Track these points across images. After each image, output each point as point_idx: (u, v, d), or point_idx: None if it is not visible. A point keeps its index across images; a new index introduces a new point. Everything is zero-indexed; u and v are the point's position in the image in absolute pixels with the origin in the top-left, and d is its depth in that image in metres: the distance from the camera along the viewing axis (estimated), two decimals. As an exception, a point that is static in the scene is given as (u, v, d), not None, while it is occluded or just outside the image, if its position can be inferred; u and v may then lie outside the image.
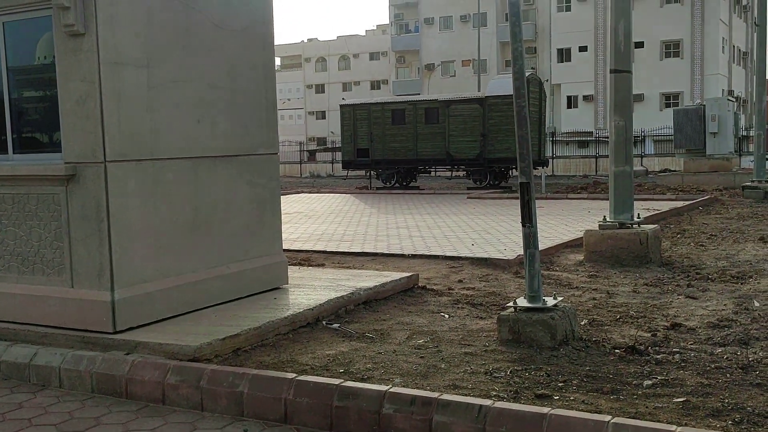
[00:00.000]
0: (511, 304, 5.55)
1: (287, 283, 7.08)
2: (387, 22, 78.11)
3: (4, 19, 5.78)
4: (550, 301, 5.46)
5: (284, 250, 7.33)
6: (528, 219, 5.51)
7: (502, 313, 5.53)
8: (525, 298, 5.51)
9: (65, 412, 4.63)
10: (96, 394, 4.94)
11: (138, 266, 5.60)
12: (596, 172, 36.03)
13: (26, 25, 5.76)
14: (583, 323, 5.90)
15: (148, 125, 5.67)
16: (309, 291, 6.77)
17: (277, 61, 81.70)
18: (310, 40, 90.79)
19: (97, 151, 5.36)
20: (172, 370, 4.76)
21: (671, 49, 55.81)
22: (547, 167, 27.69)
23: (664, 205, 15.94)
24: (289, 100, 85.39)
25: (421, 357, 5.09)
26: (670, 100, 54.70)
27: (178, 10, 5.91)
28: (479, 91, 34.45)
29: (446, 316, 6.36)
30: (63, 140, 5.52)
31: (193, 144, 6.07)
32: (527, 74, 22.48)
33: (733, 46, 59.50)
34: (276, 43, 7.04)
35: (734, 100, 29.73)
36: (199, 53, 6.11)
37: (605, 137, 40.82)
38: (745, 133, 35.49)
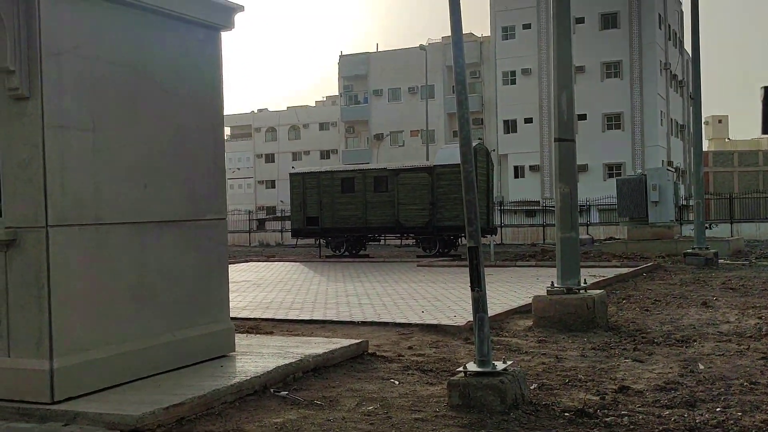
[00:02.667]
0: (461, 369, 5.52)
1: (234, 351, 6.93)
2: (336, 93, 79.21)
3: (-53, 83, 5.70)
4: (500, 366, 5.44)
5: (232, 318, 7.21)
6: (477, 283, 5.53)
7: (452, 378, 5.49)
8: (475, 362, 5.49)
9: (-3, 488, 4.41)
10: (30, 469, 4.72)
11: (79, 334, 5.44)
12: (544, 240, 36.54)
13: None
14: (533, 387, 5.89)
15: (92, 189, 5.59)
16: (256, 358, 6.64)
17: (228, 130, 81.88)
18: (260, 110, 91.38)
19: (39, 215, 5.25)
20: (112, 442, 4.58)
21: (612, 121, 57.57)
22: (495, 235, 27.98)
23: (610, 272, 16.19)
24: (239, 169, 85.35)
25: (371, 424, 5.00)
26: (612, 170, 56.12)
27: (125, 75, 5.90)
28: (428, 160, 34.93)
29: (396, 382, 6.28)
30: (4, 204, 5.40)
31: (138, 209, 5.99)
32: (474, 144, 22.90)
33: (671, 119, 61.67)
34: (226, 113, 7.06)
35: (674, 170, 30.67)
36: (147, 118, 6.09)
37: (552, 206, 41.57)
38: (685, 203, 36.49)
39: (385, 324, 9.59)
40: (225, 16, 6.87)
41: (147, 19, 6.09)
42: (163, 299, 6.20)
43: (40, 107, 5.23)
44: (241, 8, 6.95)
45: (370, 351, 7.51)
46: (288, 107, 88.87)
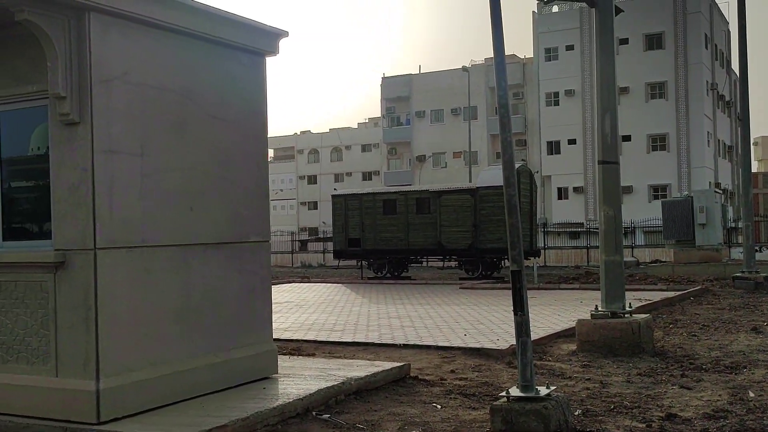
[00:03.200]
0: (503, 393, 5.47)
1: (277, 373, 6.96)
2: (379, 115, 79.60)
3: (2, 109, 5.87)
4: (543, 391, 5.38)
5: (274, 340, 7.25)
6: (520, 307, 5.49)
7: (494, 402, 5.43)
8: (518, 387, 5.44)
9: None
10: (77, 488, 4.78)
11: (125, 355, 5.52)
12: (588, 262, 36.10)
13: (21, 116, 5.83)
14: (576, 413, 5.80)
15: (139, 213, 5.69)
16: (299, 381, 6.66)
17: (271, 152, 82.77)
18: (303, 132, 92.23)
19: (88, 238, 5.35)
20: (156, 463, 4.62)
21: (658, 142, 56.86)
22: (538, 258, 27.75)
23: (656, 296, 15.92)
24: (281, 190, 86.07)
25: (412, 449, 4.97)
26: (658, 192, 55.36)
27: (172, 100, 6.02)
28: (470, 181, 34.85)
29: (438, 406, 6.24)
30: (53, 227, 5.53)
31: (184, 231, 6.08)
32: (517, 165, 22.79)
33: (718, 140, 60.70)
34: (269, 134, 7.15)
35: (721, 192, 30.14)
36: (193, 142, 6.20)
37: (596, 228, 41.11)
38: (733, 225, 35.79)
39: (428, 347, 9.55)
40: (270, 42, 6.98)
41: (194, 45, 6.21)
42: (207, 321, 6.26)
43: (90, 132, 5.35)
44: (285, 34, 7.05)
45: (412, 374, 7.48)
46: (330, 129, 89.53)
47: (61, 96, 5.29)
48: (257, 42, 6.82)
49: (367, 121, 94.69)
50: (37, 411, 5.44)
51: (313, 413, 5.89)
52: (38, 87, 5.53)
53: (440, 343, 9.76)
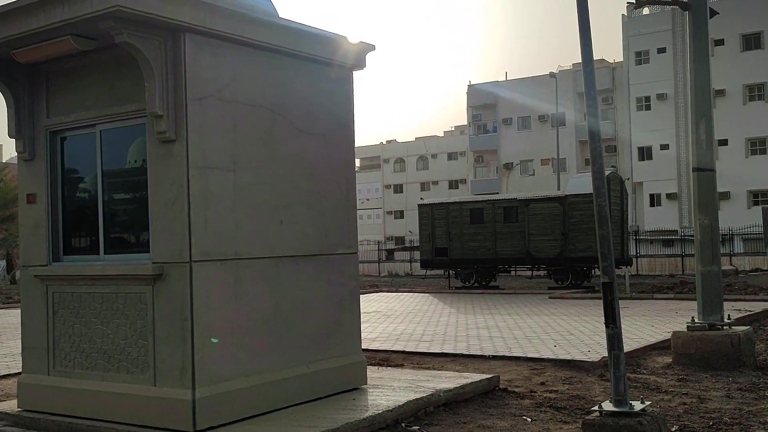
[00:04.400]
0: (596, 408, 5.35)
1: (366, 384, 7.02)
2: (465, 123, 79.33)
3: (102, 128, 6.14)
4: (638, 406, 5.23)
5: (363, 350, 7.30)
6: (612, 320, 5.36)
7: (587, 417, 5.32)
8: (611, 401, 5.31)
9: None
10: (174, 495, 4.92)
11: (219, 365, 5.66)
12: (683, 271, 34.98)
13: (120, 133, 6.09)
14: (673, 430, 5.63)
15: (232, 226, 5.84)
16: (388, 392, 6.69)
17: (357, 162, 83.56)
18: (389, 141, 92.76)
19: (184, 251, 5.53)
20: (249, 472, 4.72)
21: (757, 146, 54.71)
22: (630, 266, 27.06)
23: (757, 306, 15.28)
24: (368, 200, 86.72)
25: (502, 463, 4.92)
26: (758, 197, 53.24)
27: (263, 116, 6.17)
28: (559, 189, 34.31)
29: (529, 419, 6.16)
30: (151, 241, 5.73)
31: (274, 244, 6.21)
32: (607, 172, 22.31)
33: (823, 143, 57.94)
34: (356, 144, 7.24)
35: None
36: (283, 156, 6.33)
37: (691, 236, 39.83)
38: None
39: (517, 358, 9.44)
40: (357, 57, 7.06)
41: (283, 61, 6.35)
42: (297, 332, 6.37)
43: (185, 149, 5.54)
44: (372, 48, 7.12)
45: (501, 386, 7.41)
46: (416, 138, 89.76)
47: (158, 115, 5.49)
48: (344, 57, 6.92)
49: (453, 129, 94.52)
50: (137, 419, 5.64)
51: (403, 425, 5.91)
52: (137, 106, 5.76)
53: (530, 355, 9.63)
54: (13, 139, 6.52)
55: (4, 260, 45.26)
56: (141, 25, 5.33)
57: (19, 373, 6.81)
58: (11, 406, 6.50)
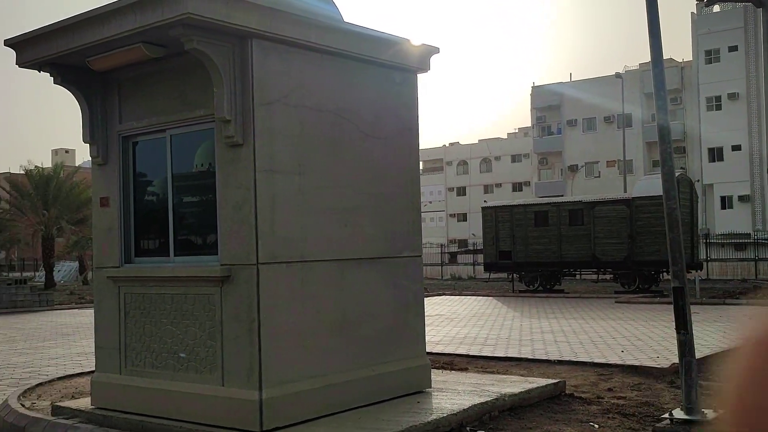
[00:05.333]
0: (666, 415, 5.24)
1: (430, 387, 7.00)
2: (529, 124, 78.55)
3: (172, 132, 6.28)
4: (711, 414, 5.10)
5: (427, 353, 7.29)
6: (683, 325, 5.25)
7: (657, 425, 5.22)
8: (682, 409, 5.19)
9: None
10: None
11: (285, 366, 5.72)
12: (756, 275, 33.92)
13: (189, 137, 6.22)
14: (748, 440, 5.45)
15: (298, 229, 5.90)
16: (452, 395, 6.66)
17: (420, 165, 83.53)
18: (452, 144, 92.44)
19: (251, 253, 5.61)
20: (315, 473, 4.75)
21: (836, 146, 52.74)
22: (701, 271, 26.38)
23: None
24: (430, 202, 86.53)
25: (569, 470, 4.84)
26: (835, 199, 51.31)
27: (328, 121, 6.22)
28: (625, 191, 33.67)
29: (596, 426, 6.06)
30: (219, 243, 5.83)
31: (340, 247, 6.25)
32: (677, 174, 21.78)
33: None
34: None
35: None
36: (348, 160, 6.36)
37: (766, 239, 38.63)
38: None
39: (583, 363, 9.29)
40: (421, 60, 7.06)
41: (348, 66, 6.39)
42: (362, 334, 6.39)
43: (252, 153, 5.62)
44: (436, 50, 7.11)
45: (567, 391, 7.31)
46: (479, 140, 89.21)
47: (226, 120, 5.59)
48: (409, 60, 6.92)
49: (516, 131, 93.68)
50: (205, 418, 5.74)
51: (467, 429, 5.87)
52: (205, 111, 5.88)
53: (596, 360, 9.47)
54: (87, 144, 6.72)
55: (77, 262, 46.70)
56: (210, 32, 5.43)
57: (92, 372, 7.00)
58: (85, 403, 6.69)
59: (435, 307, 19.73)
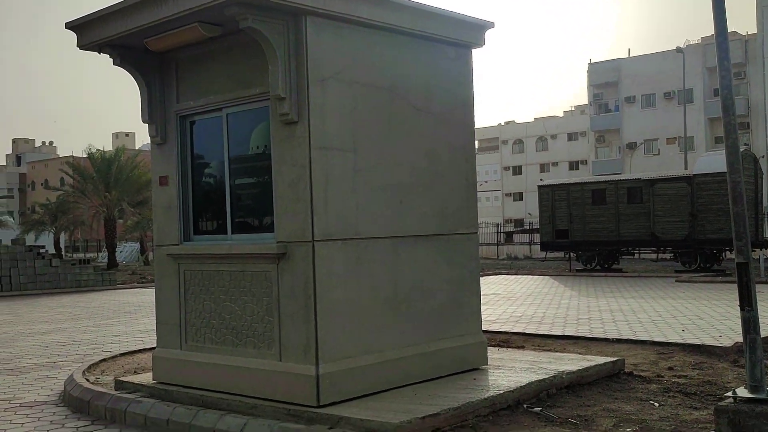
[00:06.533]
0: (729, 394, 5.12)
1: (486, 364, 6.98)
2: (585, 102, 77.21)
3: (228, 111, 6.33)
4: (776, 393, 4.97)
5: (483, 331, 7.26)
6: (747, 302, 5.10)
7: (719, 403, 5.10)
8: (746, 388, 5.06)
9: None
10: (300, 467, 5.05)
11: (341, 342, 5.76)
12: (823, 254, 32.85)
13: (244, 117, 6.27)
14: (815, 419, 5.29)
15: (352, 206, 5.91)
16: (509, 372, 6.63)
17: (476, 143, 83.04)
18: (507, 122, 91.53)
19: (306, 230, 5.64)
20: (372, 447, 4.78)
21: None
22: (765, 249, 25.69)
23: None
24: (486, 182, 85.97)
25: (629, 447, 4.78)
26: None
27: (381, 97, 6.19)
28: (686, 169, 32.92)
29: (656, 404, 5.96)
30: (276, 221, 5.88)
31: (394, 224, 6.25)
32: (741, 149, 21.15)
33: None
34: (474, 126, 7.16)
35: None
36: (401, 137, 6.34)
37: (832, 216, 37.34)
38: None
39: (642, 342, 9.15)
40: (476, 34, 6.98)
41: (400, 41, 6.35)
42: (417, 311, 6.39)
43: (307, 130, 5.64)
44: (491, 25, 7.01)
45: (626, 370, 7.21)
46: (535, 118, 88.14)
47: (281, 97, 5.61)
48: (463, 34, 6.85)
49: (573, 109, 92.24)
50: (263, 392, 5.82)
51: (524, 406, 5.84)
52: (260, 89, 5.91)
53: (656, 339, 9.32)
54: (146, 125, 6.83)
55: (138, 243, 47.77)
56: (264, 10, 5.45)
57: (154, 348, 7.16)
58: (147, 378, 6.85)
59: (491, 286, 19.65)
